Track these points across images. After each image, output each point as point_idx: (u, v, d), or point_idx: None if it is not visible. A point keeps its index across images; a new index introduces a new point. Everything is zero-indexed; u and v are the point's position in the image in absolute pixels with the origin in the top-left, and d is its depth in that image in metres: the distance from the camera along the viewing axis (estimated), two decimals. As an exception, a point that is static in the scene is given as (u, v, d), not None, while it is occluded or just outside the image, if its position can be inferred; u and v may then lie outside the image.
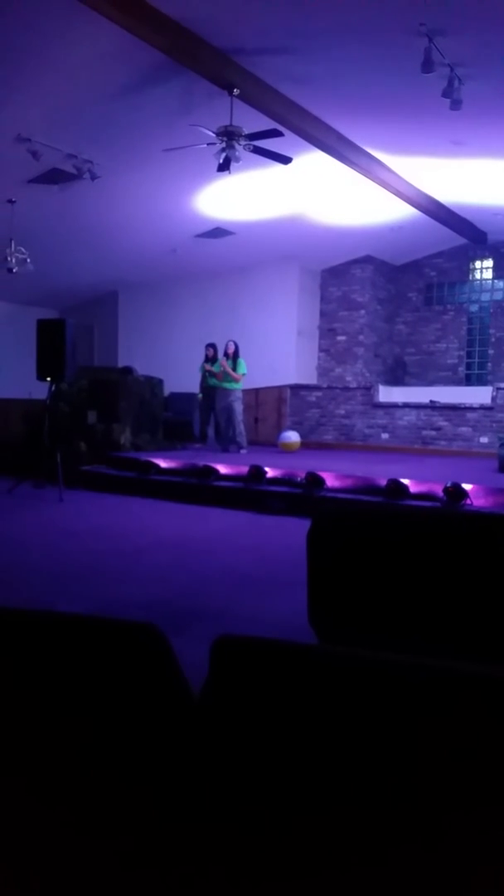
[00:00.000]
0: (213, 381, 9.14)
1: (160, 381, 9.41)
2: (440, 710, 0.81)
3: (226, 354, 8.79)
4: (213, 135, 5.74)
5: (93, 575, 3.97)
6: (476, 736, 0.79)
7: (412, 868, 0.82)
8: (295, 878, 0.85)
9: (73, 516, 5.97)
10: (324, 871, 0.85)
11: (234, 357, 8.75)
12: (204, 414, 9.47)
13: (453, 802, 0.81)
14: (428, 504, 5.67)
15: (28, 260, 8.16)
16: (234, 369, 8.72)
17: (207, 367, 9.11)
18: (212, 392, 9.20)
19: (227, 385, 8.82)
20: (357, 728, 0.84)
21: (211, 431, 9.50)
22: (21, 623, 1.00)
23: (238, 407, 8.86)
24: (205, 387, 9.25)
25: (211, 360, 9.16)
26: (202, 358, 9.30)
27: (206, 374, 9.20)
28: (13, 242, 8.10)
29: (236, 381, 8.78)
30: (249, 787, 0.87)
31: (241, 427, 8.88)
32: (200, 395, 9.37)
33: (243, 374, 8.80)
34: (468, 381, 11.31)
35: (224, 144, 5.76)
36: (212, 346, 9.22)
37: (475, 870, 0.79)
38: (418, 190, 8.52)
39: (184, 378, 10.19)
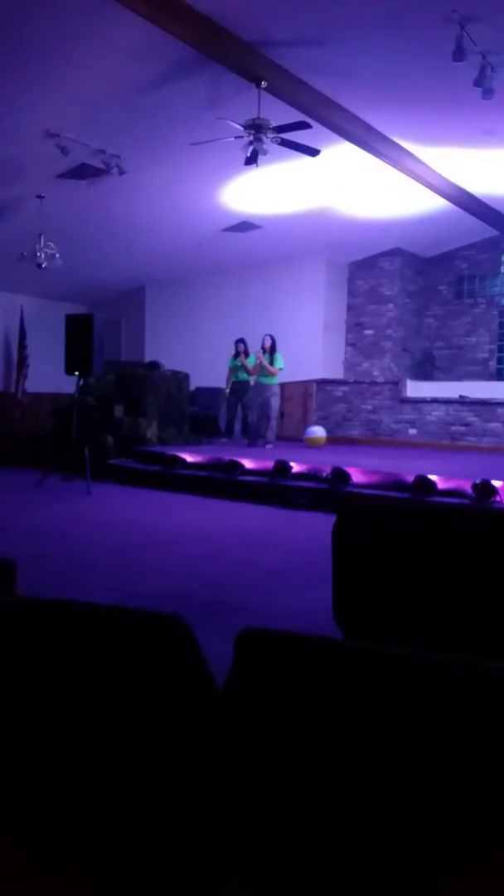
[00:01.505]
0: (242, 376, 9.11)
1: (186, 376, 9.45)
2: (467, 708, 0.80)
3: (263, 349, 8.76)
4: (241, 128, 5.71)
5: (119, 567, 4.02)
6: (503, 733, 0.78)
7: (433, 864, 0.81)
8: (313, 869, 0.85)
9: (101, 509, 6.04)
10: (344, 864, 0.84)
11: (272, 351, 8.72)
12: (231, 409, 9.47)
13: (477, 798, 0.79)
14: (456, 501, 5.59)
15: (57, 255, 8.24)
16: (272, 363, 8.68)
17: (242, 360, 9.08)
18: (240, 387, 9.19)
19: (263, 380, 8.79)
20: (381, 724, 0.83)
21: (238, 426, 9.50)
22: (48, 613, 1.02)
23: (275, 402, 8.85)
24: (233, 382, 9.25)
25: (245, 354, 9.14)
26: (231, 353, 9.27)
27: (235, 369, 9.19)
28: (42, 238, 8.18)
29: (273, 375, 8.74)
30: (272, 780, 0.87)
31: (273, 423, 8.87)
32: (228, 391, 9.37)
33: (280, 369, 8.75)
34: (499, 375, 11.10)
35: (251, 137, 5.74)
36: (242, 341, 9.19)
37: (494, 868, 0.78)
38: (449, 181, 8.38)
39: (210, 372, 10.21)
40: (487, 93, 5.31)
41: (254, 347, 9.00)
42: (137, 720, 0.93)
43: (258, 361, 8.77)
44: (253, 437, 8.93)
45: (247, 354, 9.10)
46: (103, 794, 0.95)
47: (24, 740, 0.98)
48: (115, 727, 0.94)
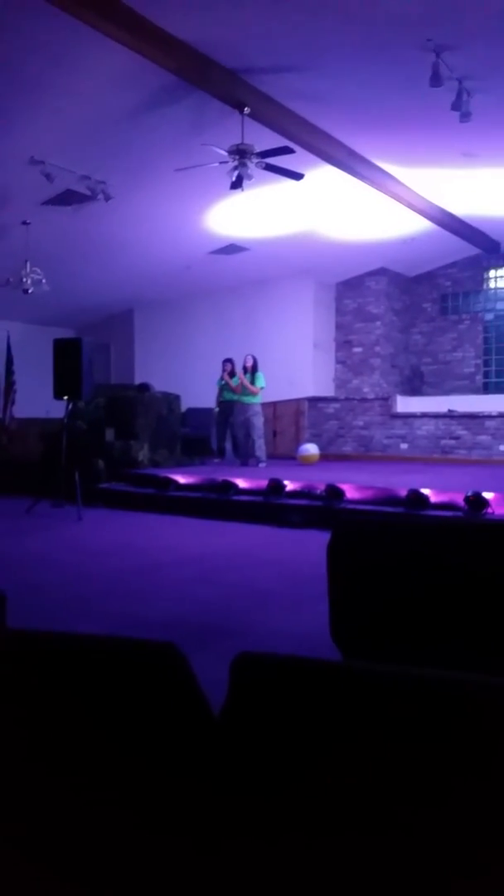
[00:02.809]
0: (228, 396, 9.16)
1: (177, 397, 9.46)
2: (468, 726, 0.79)
3: (244, 368, 8.87)
4: (225, 153, 5.80)
5: (112, 593, 3.97)
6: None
7: (435, 887, 0.79)
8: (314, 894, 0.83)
9: (92, 535, 5.98)
10: (345, 889, 0.82)
11: (253, 371, 8.83)
12: (220, 428, 9.49)
13: (482, 819, 0.78)
14: (449, 514, 5.60)
15: (43, 280, 8.28)
16: (253, 383, 8.78)
17: (226, 378, 9.14)
18: (228, 406, 9.23)
19: (245, 399, 8.88)
20: (382, 746, 0.82)
21: (228, 446, 9.51)
22: (40, 646, 1.00)
23: (258, 421, 8.90)
24: (221, 401, 9.29)
25: (230, 374, 9.21)
26: (219, 374, 9.32)
27: (222, 389, 9.24)
28: (28, 263, 8.22)
29: (254, 394, 8.83)
30: (270, 806, 0.85)
31: (260, 441, 8.90)
32: (217, 410, 9.41)
33: (261, 388, 8.84)
34: (486, 389, 11.22)
35: (236, 163, 5.82)
36: (229, 361, 9.27)
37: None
38: (430, 202, 8.53)
39: (201, 393, 10.23)
40: (465, 116, 5.44)
41: (240, 367, 9.08)
42: (133, 751, 0.90)
43: (239, 381, 8.87)
44: (243, 457, 8.95)
45: (232, 374, 9.17)
46: (100, 823, 0.92)
47: (19, 771, 0.96)
48: (110, 758, 0.92)
